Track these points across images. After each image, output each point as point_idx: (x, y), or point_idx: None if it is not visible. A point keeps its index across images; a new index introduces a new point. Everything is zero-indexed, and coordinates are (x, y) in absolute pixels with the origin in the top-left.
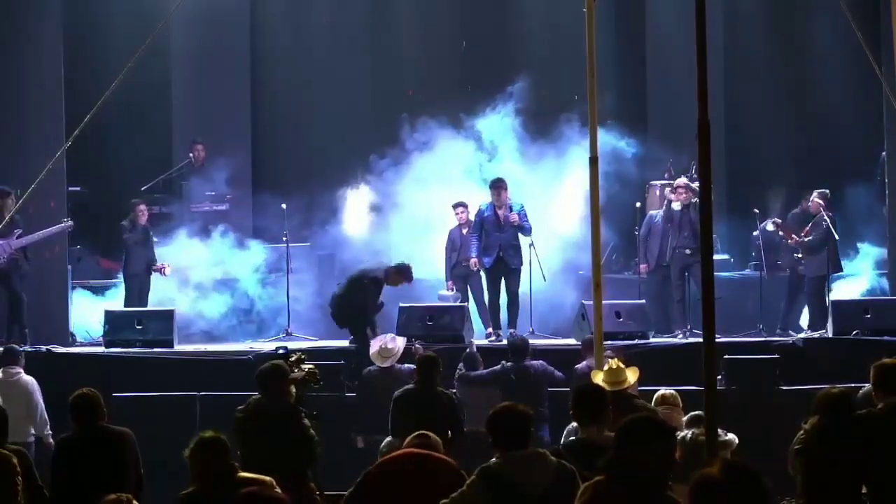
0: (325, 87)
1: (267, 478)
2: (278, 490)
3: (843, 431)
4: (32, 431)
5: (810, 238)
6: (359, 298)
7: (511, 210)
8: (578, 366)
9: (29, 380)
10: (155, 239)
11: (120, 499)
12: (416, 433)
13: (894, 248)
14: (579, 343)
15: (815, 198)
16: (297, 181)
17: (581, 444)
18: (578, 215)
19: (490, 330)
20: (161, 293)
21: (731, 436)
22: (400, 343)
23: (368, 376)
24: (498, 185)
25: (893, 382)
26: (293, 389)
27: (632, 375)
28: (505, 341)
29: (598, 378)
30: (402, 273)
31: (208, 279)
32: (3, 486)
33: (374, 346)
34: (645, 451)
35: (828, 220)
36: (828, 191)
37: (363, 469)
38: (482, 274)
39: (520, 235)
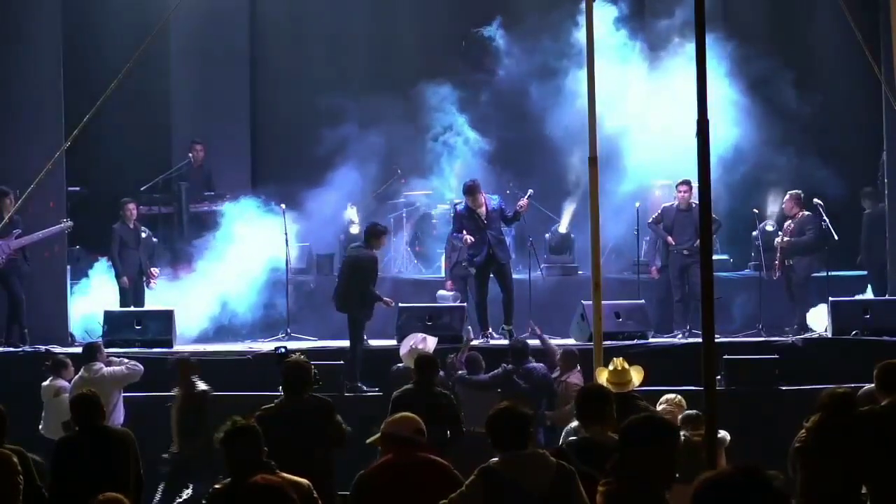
0: (325, 86)
1: (305, 481)
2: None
3: (845, 431)
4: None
5: (797, 238)
6: (359, 278)
7: (491, 204)
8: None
9: (110, 372)
10: (154, 239)
11: (107, 498)
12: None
13: (894, 249)
14: (579, 343)
15: (791, 199)
16: (297, 181)
17: (584, 444)
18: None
19: (482, 332)
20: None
21: (722, 433)
22: (430, 343)
23: (396, 373)
24: (472, 190)
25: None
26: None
27: (637, 376)
28: (493, 341)
29: (603, 378)
30: (376, 234)
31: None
32: (4, 486)
33: (405, 347)
34: (645, 452)
35: (827, 221)
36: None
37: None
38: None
39: (504, 228)
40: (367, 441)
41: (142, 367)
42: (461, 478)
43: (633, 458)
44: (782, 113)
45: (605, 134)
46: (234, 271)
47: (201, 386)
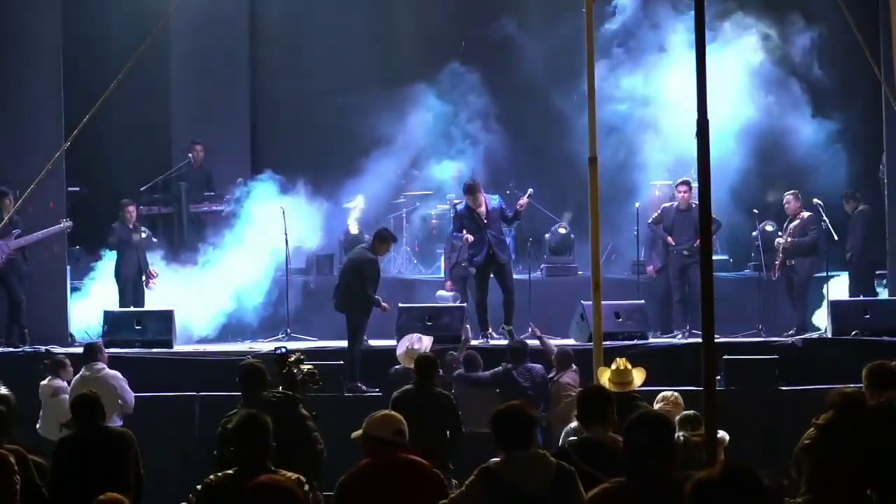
0: (325, 86)
1: (295, 475)
2: (307, 488)
3: (857, 430)
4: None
5: (800, 238)
6: (358, 280)
7: (491, 204)
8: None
9: (113, 374)
10: (154, 239)
11: (107, 499)
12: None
13: (894, 249)
14: (579, 343)
15: (793, 199)
16: (297, 181)
17: (585, 444)
18: None
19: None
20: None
21: (721, 433)
22: (426, 342)
23: (396, 374)
24: (472, 189)
25: (886, 381)
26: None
27: (638, 376)
28: (493, 342)
29: (605, 378)
30: (383, 239)
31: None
32: (1, 486)
33: (401, 347)
34: (644, 448)
35: (827, 222)
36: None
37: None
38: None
39: (505, 228)
40: (352, 436)
41: (133, 406)
42: (442, 476)
43: (633, 456)
44: (779, 112)
45: (630, 126)
46: (247, 266)
47: (2, 390)
